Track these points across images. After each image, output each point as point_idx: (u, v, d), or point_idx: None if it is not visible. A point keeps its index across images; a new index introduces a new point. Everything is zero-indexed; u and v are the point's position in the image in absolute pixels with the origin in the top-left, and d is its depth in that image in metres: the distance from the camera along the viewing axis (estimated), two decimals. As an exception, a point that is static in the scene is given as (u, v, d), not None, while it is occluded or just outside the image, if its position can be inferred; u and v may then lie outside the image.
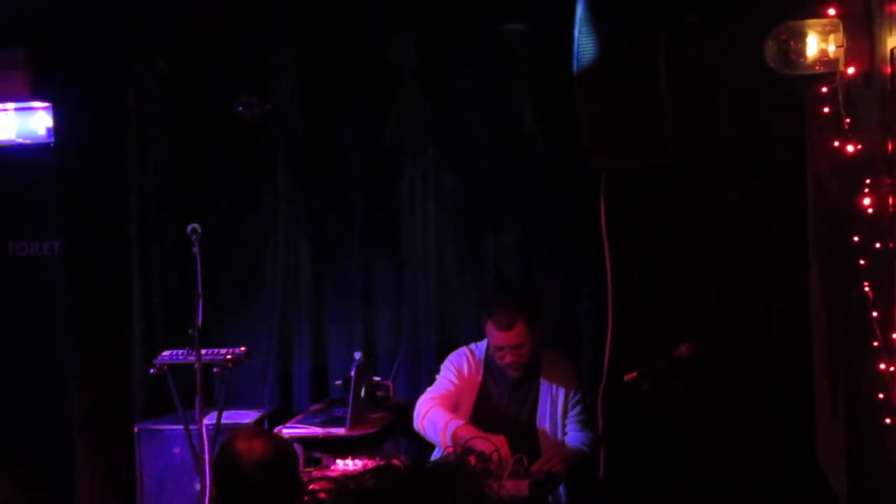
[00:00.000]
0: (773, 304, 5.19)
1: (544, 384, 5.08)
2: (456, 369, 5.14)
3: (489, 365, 5.14)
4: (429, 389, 5.15)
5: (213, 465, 3.97)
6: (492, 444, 4.57)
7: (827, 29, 4.35)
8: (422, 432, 5.00)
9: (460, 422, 4.82)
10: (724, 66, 4.85)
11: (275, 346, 6.26)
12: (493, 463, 4.52)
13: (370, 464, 4.64)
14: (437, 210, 6.04)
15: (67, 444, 6.03)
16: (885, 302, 4.02)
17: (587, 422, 5.09)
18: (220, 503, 3.32)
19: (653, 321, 5.25)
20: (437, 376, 5.21)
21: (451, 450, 4.72)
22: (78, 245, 6.11)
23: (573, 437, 5.05)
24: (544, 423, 5.04)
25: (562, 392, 5.06)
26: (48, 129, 6.04)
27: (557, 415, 5.05)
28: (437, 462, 2.10)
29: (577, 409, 5.08)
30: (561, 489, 4.99)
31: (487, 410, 5.08)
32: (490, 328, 5.02)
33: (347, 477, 2.00)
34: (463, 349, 5.23)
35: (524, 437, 4.93)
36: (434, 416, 4.91)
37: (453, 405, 5.03)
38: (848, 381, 4.46)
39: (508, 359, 5.01)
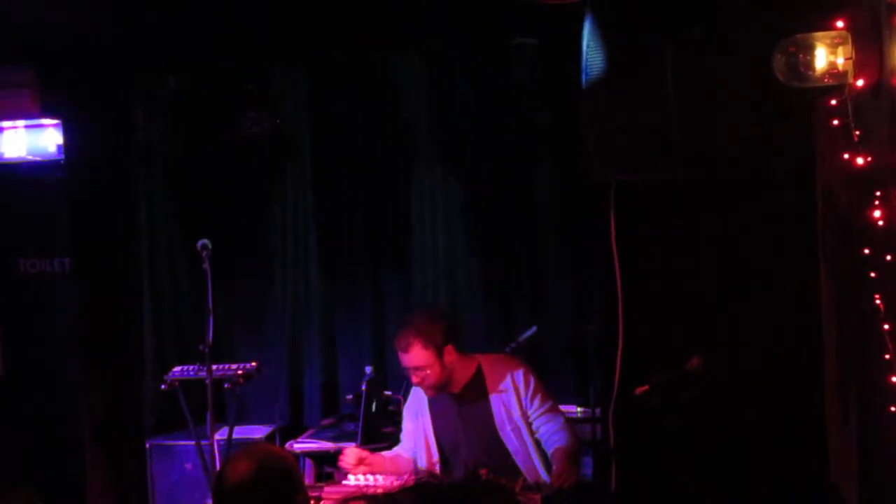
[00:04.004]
0: (784, 317, 5.16)
1: (494, 398, 4.87)
2: (406, 415, 5.06)
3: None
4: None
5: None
6: None
7: (835, 41, 4.34)
8: None
9: None
10: (732, 80, 4.84)
11: (286, 361, 6.27)
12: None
13: (405, 479, 4.55)
14: (447, 225, 6.05)
15: (79, 460, 6.04)
16: (897, 315, 4.01)
17: (552, 407, 4.89)
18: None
19: (662, 334, 5.23)
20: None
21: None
22: (88, 261, 6.14)
23: (548, 428, 4.84)
24: (507, 434, 4.85)
25: (512, 395, 4.85)
26: (58, 146, 6.05)
27: (516, 419, 4.84)
28: (468, 477, 2.04)
29: (537, 400, 4.85)
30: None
31: (447, 438, 4.94)
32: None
33: (386, 495, 1.96)
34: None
35: (493, 453, 4.80)
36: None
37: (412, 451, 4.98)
38: (860, 394, 4.44)
39: (415, 380, 4.83)
